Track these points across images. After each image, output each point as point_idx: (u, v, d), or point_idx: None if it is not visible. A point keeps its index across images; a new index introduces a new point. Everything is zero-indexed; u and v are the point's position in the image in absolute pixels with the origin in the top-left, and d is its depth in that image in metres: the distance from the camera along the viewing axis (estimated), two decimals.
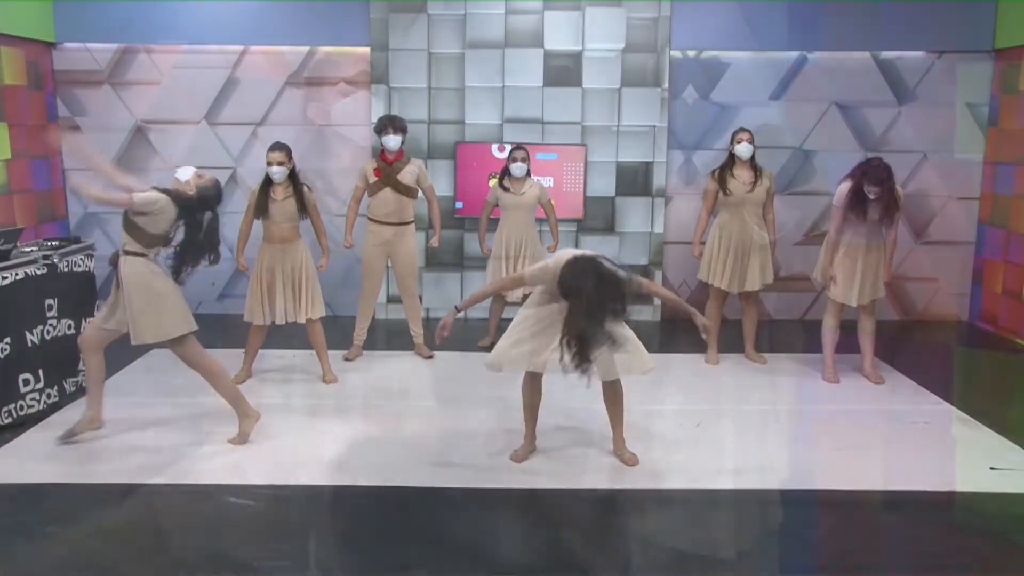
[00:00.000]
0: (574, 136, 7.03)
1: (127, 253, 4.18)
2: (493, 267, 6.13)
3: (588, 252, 3.78)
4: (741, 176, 5.75)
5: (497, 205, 6.11)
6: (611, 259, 3.73)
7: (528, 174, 6.04)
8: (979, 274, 7.23)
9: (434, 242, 6.12)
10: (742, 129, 5.79)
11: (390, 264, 6.01)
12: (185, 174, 4.28)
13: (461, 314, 4.14)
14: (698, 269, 6.04)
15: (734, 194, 5.72)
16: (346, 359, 5.90)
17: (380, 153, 5.83)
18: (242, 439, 4.39)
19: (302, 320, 5.31)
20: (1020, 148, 6.69)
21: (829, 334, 5.57)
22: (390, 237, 5.83)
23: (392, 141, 5.73)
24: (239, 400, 4.44)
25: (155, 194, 4.16)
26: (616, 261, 3.75)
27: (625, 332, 3.93)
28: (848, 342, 5.87)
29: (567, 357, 3.59)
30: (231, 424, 4.67)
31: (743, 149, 5.71)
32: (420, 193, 5.91)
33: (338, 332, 6.14)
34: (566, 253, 3.84)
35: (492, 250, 6.16)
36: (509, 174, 6.02)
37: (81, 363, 5.10)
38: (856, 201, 5.23)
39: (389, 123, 5.76)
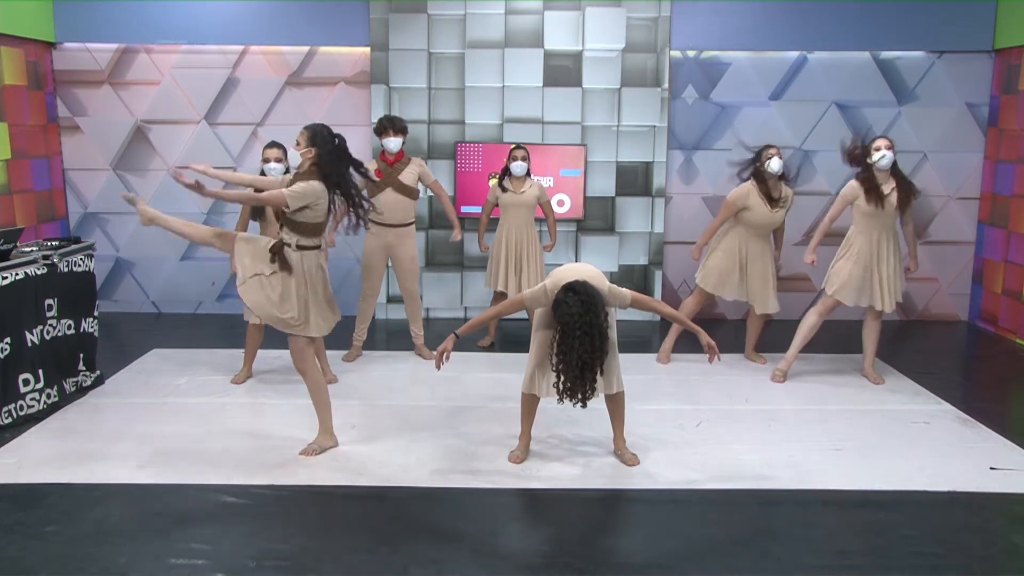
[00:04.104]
0: (574, 136, 7.03)
1: (301, 248, 4.08)
2: (492, 266, 6.13)
3: (581, 279, 3.80)
4: (770, 196, 5.61)
5: (497, 205, 6.11)
6: (598, 291, 3.79)
7: (528, 173, 6.04)
8: (979, 274, 7.24)
9: (456, 235, 6.02)
10: (770, 146, 5.65)
11: (391, 264, 6.01)
12: (294, 155, 4.19)
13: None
14: (698, 269, 6.00)
15: (758, 216, 5.62)
16: (345, 360, 5.90)
17: (380, 154, 5.81)
18: (313, 451, 4.30)
19: None
20: (1020, 148, 6.69)
21: (806, 330, 5.49)
22: (391, 239, 5.82)
23: (392, 143, 5.70)
24: (327, 416, 4.36)
25: (304, 185, 3.98)
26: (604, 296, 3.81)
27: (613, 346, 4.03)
28: (848, 342, 5.88)
29: (570, 392, 3.76)
30: (230, 424, 4.68)
31: (775, 164, 5.55)
32: (421, 193, 5.89)
33: (337, 332, 6.12)
34: (563, 275, 3.87)
35: (491, 249, 6.16)
36: (509, 173, 6.02)
37: (82, 363, 5.11)
38: (871, 183, 5.17)
39: (389, 125, 5.72)
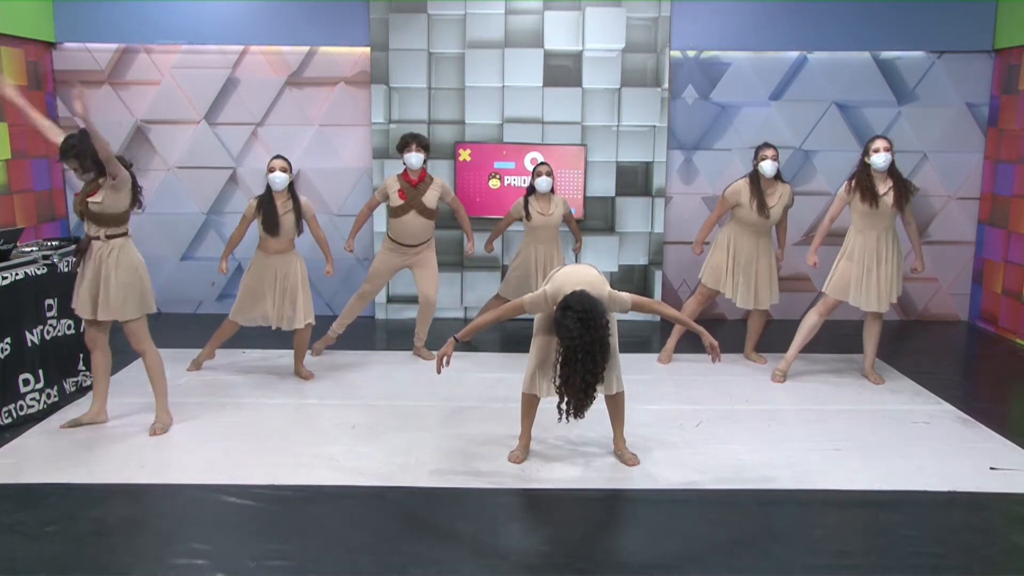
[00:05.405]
0: (574, 136, 7.03)
1: (111, 237, 4.34)
2: (513, 278, 5.98)
3: (580, 288, 3.78)
4: (766, 195, 5.60)
5: (520, 221, 6.00)
6: (597, 299, 3.76)
7: (552, 190, 5.92)
8: (979, 274, 7.24)
9: (469, 248, 5.99)
10: (767, 145, 5.63)
11: (411, 271, 5.94)
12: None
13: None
14: (699, 269, 5.99)
15: (749, 214, 5.63)
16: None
17: (403, 173, 5.70)
18: (158, 431, 4.53)
19: (299, 325, 5.32)
20: (1020, 148, 6.69)
21: (807, 330, 5.48)
22: (410, 259, 5.80)
23: (415, 159, 5.58)
24: (165, 397, 4.64)
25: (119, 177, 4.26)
26: (601, 305, 3.78)
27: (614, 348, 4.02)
28: (848, 342, 5.88)
29: (574, 411, 3.80)
30: (230, 424, 4.68)
31: (768, 167, 5.55)
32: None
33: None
34: (563, 281, 3.86)
35: (516, 262, 6.01)
36: (534, 191, 5.88)
37: (81, 363, 5.12)
38: (865, 176, 5.18)
39: (413, 140, 5.59)
